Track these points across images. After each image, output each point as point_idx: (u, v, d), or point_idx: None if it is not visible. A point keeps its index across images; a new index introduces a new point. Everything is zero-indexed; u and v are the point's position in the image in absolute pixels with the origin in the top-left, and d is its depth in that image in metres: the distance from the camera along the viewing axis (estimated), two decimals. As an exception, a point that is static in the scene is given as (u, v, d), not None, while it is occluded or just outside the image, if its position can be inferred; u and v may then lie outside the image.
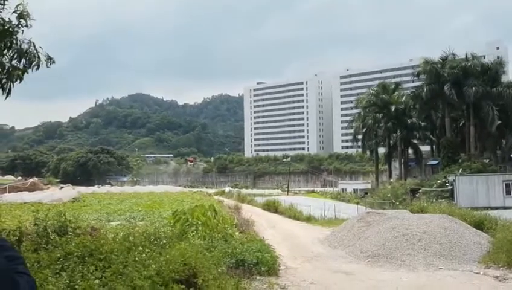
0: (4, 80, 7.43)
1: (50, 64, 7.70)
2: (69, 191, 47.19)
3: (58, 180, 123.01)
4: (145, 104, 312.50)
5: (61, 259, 8.14)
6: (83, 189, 62.88)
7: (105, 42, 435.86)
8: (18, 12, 7.37)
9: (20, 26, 7.44)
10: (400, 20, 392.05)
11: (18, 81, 7.51)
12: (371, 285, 11.95)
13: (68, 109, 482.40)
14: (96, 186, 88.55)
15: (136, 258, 8.50)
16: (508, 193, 39.93)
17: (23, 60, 7.54)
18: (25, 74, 7.55)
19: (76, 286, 6.97)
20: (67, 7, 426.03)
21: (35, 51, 7.54)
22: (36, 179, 75.26)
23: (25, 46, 7.51)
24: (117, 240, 9.89)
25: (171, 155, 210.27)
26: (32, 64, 7.54)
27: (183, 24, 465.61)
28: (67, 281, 7.11)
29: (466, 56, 56.63)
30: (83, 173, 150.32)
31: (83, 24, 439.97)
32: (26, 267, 1.87)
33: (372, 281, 12.45)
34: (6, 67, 7.47)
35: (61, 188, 65.01)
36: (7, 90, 7.50)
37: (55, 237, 9.51)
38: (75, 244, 8.70)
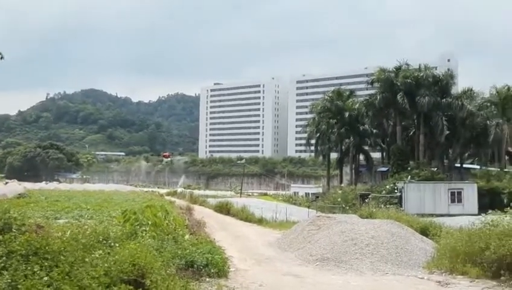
0: None
1: None
2: (15, 187, 45.67)
3: (3, 175, 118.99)
4: (98, 100, 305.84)
5: (3, 257, 7.84)
6: (29, 185, 60.96)
7: (60, 36, 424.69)
8: None
9: None
10: (359, 29, 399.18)
11: None
12: (320, 288, 12.10)
13: (17, 101, 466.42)
14: (44, 182, 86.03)
15: (85, 258, 8.31)
16: (452, 200, 41.40)
17: None
18: None
19: (19, 286, 6.74)
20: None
21: None
22: (-20, 173, 72.40)
23: None
24: (64, 238, 9.63)
25: (123, 153, 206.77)
26: None
27: (142, 22, 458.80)
28: (9, 281, 6.87)
29: (419, 67, 58.25)
30: (30, 169, 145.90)
31: (40, 16, 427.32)
32: None
33: (320, 284, 12.60)
34: None
35: (6, 183, 62.76)
36: None
37: (-3, 234, 9.17)
38: (19, 242, 8.40)
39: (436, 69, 63.15)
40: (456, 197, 41.60)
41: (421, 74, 55.99)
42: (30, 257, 7.94)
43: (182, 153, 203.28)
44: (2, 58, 7.49)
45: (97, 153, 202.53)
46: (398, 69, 58.76)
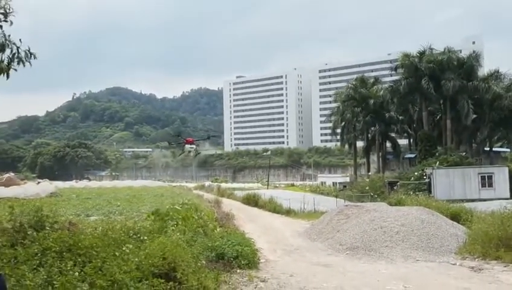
0: None
1: (30, 58, 7.56)
2: (47, 186, 46.51)
3: (35, 175, 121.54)
4: (124, 97, 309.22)
5: (39, 255, 8.02)
6: (60, 184, 62.11)
7: (83, 35, 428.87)
8: None
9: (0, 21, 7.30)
10: (381, 15, 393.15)
11: (5, 76, 7.39)
12: (350, 277, 12.06)
13: (45, 102, 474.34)
14: (74, 181, 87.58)
15: (116, 253, 8.44)
16: (483, 185, 40.66)
17: (6, 55, 7.40)
18: (10, 70, 7.42)
19: (55, 282, 6.88)
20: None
21: (15, 46, 7.40)
22: (12, 174, 73.87)
23: (2, 40, 7.36)
24: (96, 235, 9.80)
25: (150, 149, 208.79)
26: (15, 59, 7.40)
27: (164, 17, 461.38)
28: (45, 277, 7.02)
29: (444, 50, 57.18)
30: (60, 168, 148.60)
31: (62, 17, 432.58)
32: None
33: (351, 273, 12.57)
34: None
35: (38, 183, 64.06)
36: None
37: (32, 232, 9.38)
38: (53, 239, 8.58)
39: (460, 52, 61.90)
40: (486, 181, 40.85)
41: (445, 58, 54.94)
42: (64, 253, 8.12)
43: (207, 147, 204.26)
44: (35, 58, 7.61)
45: (124, 150, 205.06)
46: (422, 53, 57.75)
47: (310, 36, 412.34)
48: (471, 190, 40.22)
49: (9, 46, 7.37)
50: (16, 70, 7.51)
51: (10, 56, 7.40)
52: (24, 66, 7.51)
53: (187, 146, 39.46)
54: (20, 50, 7.44)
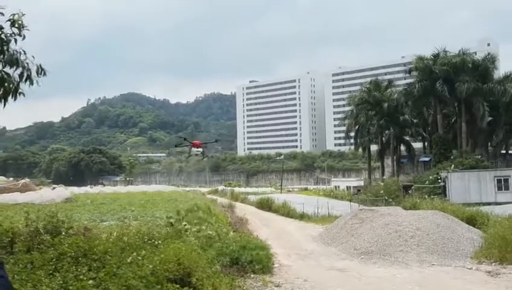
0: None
1: (41, 74, 7.64)
2: (62, 192, 46.86)
3: (50, 180, 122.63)
4: (138, 103, 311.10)
5: (55, 260, 8.10)
6: (75, 189, 62.49)
7: (97, 41, 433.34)
8: (12, 20, 7.32)
9: (13, 35, 7.40)
10: (393, 18, 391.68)
11: (14, 96, 7.48)
12: (365, 282, 11.99)
13: (60, 108, 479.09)
14: (88, 186, 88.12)
15: (131, 258, 8.49)
16: (499, 188, 40.16)
17: (17, 71, 7.50)
18: (19, 89, 7.51)
19: (70, 287, 6.94)
20: (59, 5, 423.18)
21: (26, 64, 7.48)
22: (28, 179, 74.77)
23: (16, 56, 7.45)
24: (111, 240, 9.87)
25: (164, 155, 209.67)
26: (24, 78, 7.49)
27: (175, 23, 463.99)
28: (61, 282, 7.09)
29: (458, 53, 56.79)
30: (75, 173, 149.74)
31: (75, 23, 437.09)
32: (4, 269, 1.86)
33: (366, 278, 12.49)
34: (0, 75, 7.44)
35: (54, 188, 64.58)
36: (3, 102, 7.49)
37: (47, 237, 9.47)
38: (68, 244, 8.66)
39: (475, 54, 61.39)
40: (503, 184, 40.33)
41: (460, 60, 54.52)
42: (79, 258, 8.19)
43: (220, 151, 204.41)
44: (45, 74, 7.69)
45: (138, 155, 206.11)
46: (436, 56, 57.41)
47: (323, 39, 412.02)
48: (487, 193, 39.75)
49: (21, 65, 7.46)
50: (24, 95, 7.59)
51: (19, 74, 7.49)
52: (32, 84, 7.60)
53: (194, 149, 39.52)
54: (30, 67, 7.52)
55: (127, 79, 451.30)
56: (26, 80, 7.52)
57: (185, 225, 14.62)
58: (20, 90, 7.51)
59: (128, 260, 8.38)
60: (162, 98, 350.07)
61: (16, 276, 6.94)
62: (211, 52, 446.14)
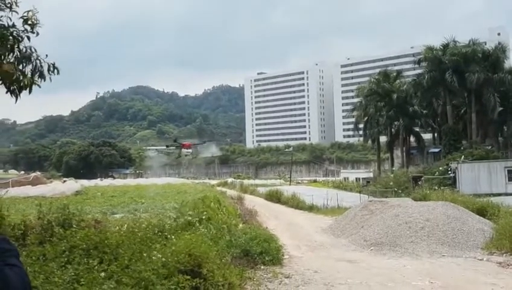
0: (13, 87, 7.42)
1: (53, 72, 7.66)
2: (72, 185, 47.16)
3: (60, 173, 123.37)
4: (146, 96, 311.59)
5: (66, 252, 8.18)
6: (85, 182, 62.81)
7: (105, 34, 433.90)
8: (25, 18, 7.33)
9: (25, 31, 7.41)
10: (403, 8, 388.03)
11: (27, 90, 7.50)
12: (375, 273, 11.99)
13: (69, 102, 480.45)
14: (98, 179, 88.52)
15: (142, 251, 8.54)
16: (510, 179, 39.87)
17: (29, 68, 7.52)
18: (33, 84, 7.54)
19: (82, 279, 7.01)
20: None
21: (38, 61, 7.50)
22: (39, 173, 75.37)
23: (29, 53, 7.47)
24: (122, 232, 9.93)
25: (174, 147, 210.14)
26: (36, 75, 7.51)
27: (183, 15, 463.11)
28: (73, 274, 7.16)
29: (468, 43, 56.29)
30: (85, 166, 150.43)
31: (83, 16, 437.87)
32: (19, 259, 1.89)
33: (376, 269, 12.49)
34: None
35: (64, 181, 65.03)
36: (15, 96, 7.51)
37: (59, 230, 9.55)
38: (80, 237, 8.73)
39: (485, 45, 60.81)
40: (513, 175, 40.11)
41: (470, 50, 54.02)
42: (91, 250, 8.26)
43: (229, 144, 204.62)
44: (58, 73, 7.71)
45: (148, 148, 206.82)
46: (445, 46, 56.92)
47: (332, 30, 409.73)
48: (497, 184, 39.50)
49: (33, 62, 7.47)
50: (39, 86, 7.62)
51: (31, 70, 7.52)
52: (44, 80, 7.62)
53: (183, 150, 39.49)
54: (42, 64, 7.54)
55: (135, 72, 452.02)
56: (39, 77, 7.54)
57: (195, 216, 14.67)
58: (35, 81, 7.54)
59: (139, 252, 8.44)
60: (170, 91, 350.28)
61: (28, 268, 7.00)
62: (219, 45, 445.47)
